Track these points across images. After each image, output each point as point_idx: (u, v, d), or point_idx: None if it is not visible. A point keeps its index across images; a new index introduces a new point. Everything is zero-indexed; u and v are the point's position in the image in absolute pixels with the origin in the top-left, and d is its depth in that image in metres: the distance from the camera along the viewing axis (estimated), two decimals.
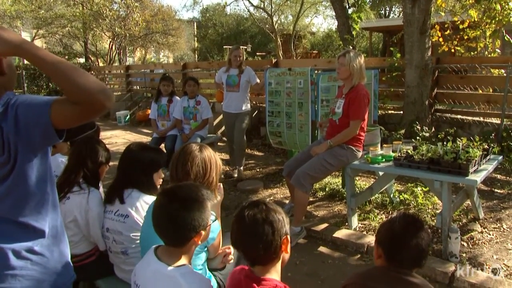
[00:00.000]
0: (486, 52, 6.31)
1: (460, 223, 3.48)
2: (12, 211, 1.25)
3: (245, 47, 22.65)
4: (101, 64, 17.11)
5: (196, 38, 29.78)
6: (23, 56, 1.16)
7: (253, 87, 5.10)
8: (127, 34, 15.98)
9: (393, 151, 3.36)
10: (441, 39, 6.58)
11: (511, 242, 3.13)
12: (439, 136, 5.04)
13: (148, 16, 17.17)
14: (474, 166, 2.85)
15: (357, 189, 4.00)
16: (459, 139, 3.09)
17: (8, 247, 1.24)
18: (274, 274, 1.38)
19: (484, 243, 3.14)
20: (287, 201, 4.10)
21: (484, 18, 5.99)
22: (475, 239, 3.20)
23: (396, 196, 3.97)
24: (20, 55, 1.16)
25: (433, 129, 5.39)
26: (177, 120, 5.19)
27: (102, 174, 2.35)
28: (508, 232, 3.30)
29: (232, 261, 2.02)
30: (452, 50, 6.69)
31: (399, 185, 4.35)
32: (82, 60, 16.97)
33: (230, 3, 26.91)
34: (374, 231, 3.37)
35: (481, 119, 5.45)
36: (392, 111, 6.11)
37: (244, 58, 5.20)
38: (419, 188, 3.96)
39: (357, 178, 4.50)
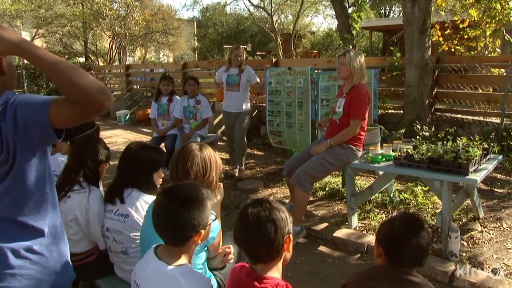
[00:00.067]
0: (486, 52, 6.30)
1: (460, 222, 3.48)
2: (11, 211, 1.25)
3: (245, 47, 22.61)
4: (101, 64, 17.10)
5: (196, 38, 29.76)
6: (22, 56, 1.16)
7: (253, 87, 5.09)
8: (127, 34, 15.98)
9: (393, 151, 3.36)
10: (441, 39, 6.57)
11: (511, 242, 3.13)
12: (439, 135, 5.04)
13: (148, 16, 17.16)
14: (474, 165, 2.85)
15: (357, 189, 4.00)
16: (459, 139, 3.09)
17: (7, 246, 1.24)
18: (276, 272, 1.38)
19: (484, 243, 3.14)
20: (287, 201, 4.10)
21: (484, 17, 5.99)
22: (475, 238, 3.20)
23: (396, 196, 3.97)
24: (19, 54, 1.16)
25: (433, 129, 5.39)
26: (177, 120, 5.19)
27: (103, 173, 2.35)
28: (508, 232, 3.29)
29: (232, 260, 2.02)
30: (452, 50, 6.69)
31: (399, 185, 4.35)
32: (82, 59, 16.96)
33: (230, 3, 27.01)
34: (374, 231, 3.37)
35: (481, 118, 5.45)
36: (392, 111, 6.11)
37: (244, 57, 5.20)
38: (419, 188, 3.96)
39: (357, 178, 4.50)
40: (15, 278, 1.25)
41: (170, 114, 5.26)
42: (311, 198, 4.11)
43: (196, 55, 28.81)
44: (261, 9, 23.73)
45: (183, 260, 1.43)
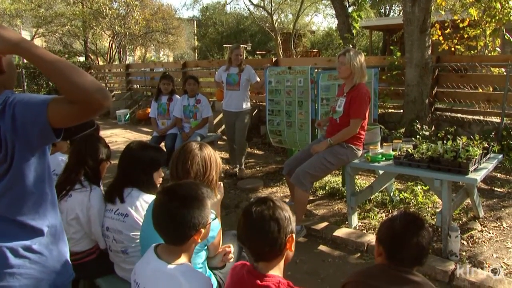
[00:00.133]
0: (486, 51, 6.30)
1: (460, 221, 3.48)
2: (9, 210, 1.25)
3: (245, 46, 22.58)
4: (101, 63, 17.11)
5: (196, 37, 29.73)
6: (22, 55, 1.16)
7: (253, 86, 5.09)
8: (127, 33, 15.98)
9: (393, 150, 3.36)
10: (441, 38, 6.57)
11: (511, 241, 3.13)
12: (439, 134, 5.04)
13: (148, 15, 17.15)
14: (474, 164, 2.85)
15: (357, 188, 4.00)
16: (459, 138, 3.09)
17: (6, 246, 1.24)
18: (277, 271, 1.38)
19: (484, 242, 3.13)
20: (287, 200, 4.10)
21: (484, 16, 5.99)
22: (475, 237, 3.20)
23: (396, 195, 3.97)
24: (19, 53, 1.16)
25: (433, 128, 5.39)
26: (177, 119, 5.19)
27: (103, 171, 2.35)
28: (508, 231, 3.29)
29: (232, 260, 2.02)
30: (452, 49, 6.69)
31: (399, 184, 4.35)
32: (82, 58, 16.96)
33: (230, 2, 26.99)
34: (374, 230, 3.37)
35: (481, 117, 5.45)
36: (392, 110, 6.11)
37: (244, 56, 5.20)
38: (419, 187, 3.96)
39: (357, 177, 4.50)
40: (14, 277, 1.25)
41: (170, 114, 5.26)
42: (311, 197, 4.11)
43: (196, 54, 28.80)
44: (261, 8, 23.70)
45: (183, 259, 1.43)
